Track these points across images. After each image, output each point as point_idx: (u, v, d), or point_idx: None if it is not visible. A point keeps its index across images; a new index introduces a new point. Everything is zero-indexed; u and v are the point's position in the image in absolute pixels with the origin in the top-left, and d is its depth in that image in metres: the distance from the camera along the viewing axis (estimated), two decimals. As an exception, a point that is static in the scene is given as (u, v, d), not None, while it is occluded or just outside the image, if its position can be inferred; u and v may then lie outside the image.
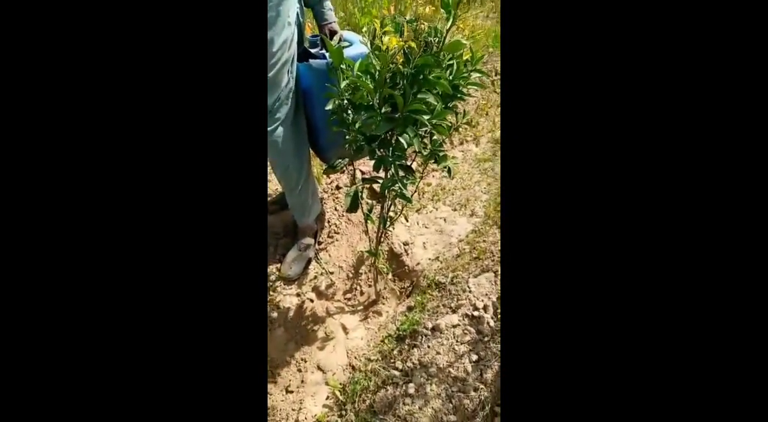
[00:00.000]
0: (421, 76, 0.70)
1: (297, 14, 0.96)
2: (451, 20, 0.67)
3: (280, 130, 1.02)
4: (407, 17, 0.72)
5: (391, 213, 1.02)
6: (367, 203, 1.02)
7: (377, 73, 0.70)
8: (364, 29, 0.72)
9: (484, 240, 1.26)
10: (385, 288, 1.25)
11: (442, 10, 0.68)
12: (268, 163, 1.55)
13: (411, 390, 0.96)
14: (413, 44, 0.66)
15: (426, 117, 0.71)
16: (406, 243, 1.32)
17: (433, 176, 1.56)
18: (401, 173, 0.86)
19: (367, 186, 0.97)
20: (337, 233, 1.33)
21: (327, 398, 1.04)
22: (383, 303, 1.23)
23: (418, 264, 1.27)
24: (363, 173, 1.49)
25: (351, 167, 1.14)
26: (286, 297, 1.19)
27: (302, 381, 1.06)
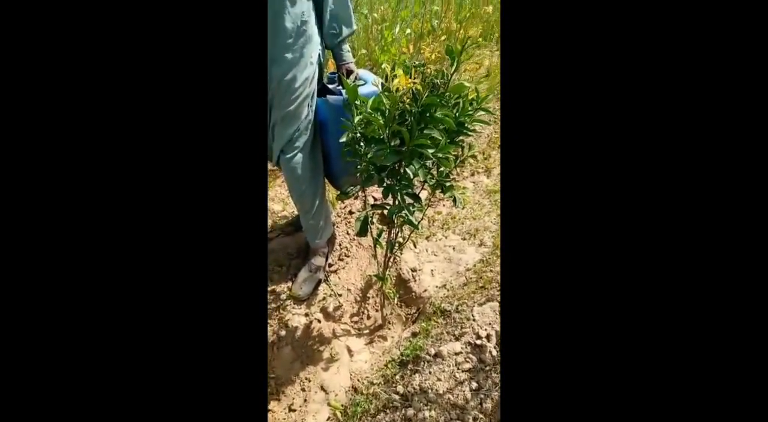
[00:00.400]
0: (428, 114, 0.77)
1: (319, 55, 1.06)
2: (455, 65, 0.75)
3: (299, 157, 1.10)
4: (416, 61, 0.80)
5: (400, 239, 1.06)
6: (377, 228, 1.07)
7: (387, 111, 0.77)
8: (384, 65, 0.79)
9: (491, 270, 1.27)
10: (391, 313, 1.27)
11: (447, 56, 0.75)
12: (286, 187, 1.62)
13: (410, 415, 0.97)
14: (420, 87, 0.73)
15: (431, 150, 0.77)
16: (414, 270, 1.35)
17: (444, 205, 1.61)
18: (408, 200, 0.91)
19: (378, 211, 1.02)
20: (348, 256, 1.38)
21: (328, 419, 1.05)
22: (389, 328, 1.25)
23: (425, 290, 1.29)
24: (375, 199, 1.55)
25: (363, 193, 1.21)
26: (294, 317, 1.23)
27: (305, 401, 1.08)
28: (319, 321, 1.24)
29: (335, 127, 1.10)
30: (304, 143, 1.10)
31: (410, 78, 0.75)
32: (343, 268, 1.36)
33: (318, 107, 1.11)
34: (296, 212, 1.52)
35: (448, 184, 0.93)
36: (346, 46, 1.10)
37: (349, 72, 1.10)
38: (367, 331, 1.24)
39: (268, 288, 1.28)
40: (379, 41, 2.06)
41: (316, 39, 1.04)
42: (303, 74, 1.02)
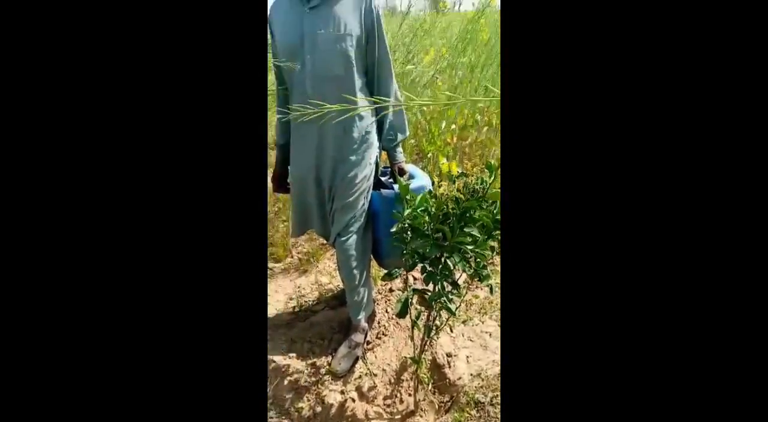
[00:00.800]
0: (467, 215, 0.90)
1: (376, 156, 1.27)
2: (492, 177, 0.89)
3: (352, 239, 1.26)
4: (459, 171, 0.95)
5: (437, 322, 1.13)
6: (416, 309, 1.14)
7: (433, 211, 0.91)
8: (443, 168, 0.95)
9: (528, 363, 1.26)
10: (424, 399, 1.27)
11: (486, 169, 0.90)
12: (335, 262, 1.76)
13: None
14: (461, 196, 0.87)
15: (470, 246, 0.89)
16: (449, 355, 1.37)
17: (482, 289, 1.65)
18: (448, 288, 1.00)
19: (418, 294, 1.11)
20: (385, 335, 1.43)
21: None
22: (421, 416, 1.23)
23: (460, 378, 1.28)
24: (415, 279, 1.63)
25: (405, 274, 1.31)
26: (331, 393, 1.26)
27: (333, 486, 1.06)
28: (354, 400, 1.26)
29: (385, 216, 1.27)
30: (358, 228, 1.26)
31: (453, 185, 0.90)
32: (380, 346, 1.41)
33: (372, 198, 1.29)
34: (341, 286, 1.63)
35: (485, 273, 1.01)
36: (399, 148, 1.31)
37: (401, 170, 1.29)
38: (399, 417, 1.23)
39: (309, 361, 1.35)
40: (427, 133, 2.33)
41: (376, 144, 1.26)
42: (363, 172, 1.22)
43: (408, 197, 1.04)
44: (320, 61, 1.09)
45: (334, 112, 0.66)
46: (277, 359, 1.34)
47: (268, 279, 1.83)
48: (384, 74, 1.17)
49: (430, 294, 1.01)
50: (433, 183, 0.92)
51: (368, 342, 1.41)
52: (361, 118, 1.18)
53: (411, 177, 1.29)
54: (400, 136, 1.28)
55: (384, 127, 1.27)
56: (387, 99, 1.19)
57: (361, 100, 1.14)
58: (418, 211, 1.00)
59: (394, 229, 1.04)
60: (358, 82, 1.13)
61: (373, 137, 1.24)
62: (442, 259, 0.98)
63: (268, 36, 1.17)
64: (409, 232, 1.06)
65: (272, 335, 1.46)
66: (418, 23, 2.80)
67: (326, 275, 1.79)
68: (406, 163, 1.32)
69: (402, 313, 1.07)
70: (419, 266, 1.02)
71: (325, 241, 1.69)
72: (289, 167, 1.31)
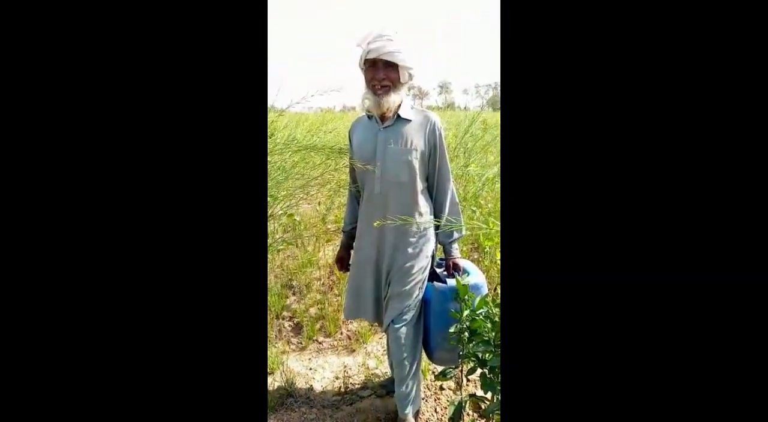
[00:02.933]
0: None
1: (433, 250, 1.34)
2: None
3: (404, 329, 1.28)
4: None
5: (491, 435, 1.06)
6: (468, 414, 1.09)
7: (496, 320, 0.93)
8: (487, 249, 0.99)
9: None
10: None
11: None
12: (384, 346, 1.77)
13: None
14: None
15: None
16: (502, 472, 1.24)
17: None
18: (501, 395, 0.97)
19: (473, 400, 1.07)
20: (433, 437, 1.35)
21: None
22: None
23: None
24: (468, 381, 1.56)
25: (459, 374, 1.28)
26: (371, 496, 1.19)
27: None
28: None
29: (437, 308, 1.30)
30: (411, 317, 1.29)
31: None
32: (427, 449, 1.33)
33: (426, 289, 1.33)
34: (388, 374, 1.61)
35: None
36: (456, 245, 1.37)
37: (455, 265, 1.34)
38: None
39: (351, 453, 1.30)
40: (484, 231, 2.39)
41: (433, 239, 1.34)
42: (419, 264, 1.29)
43: (466, 298, 1.08)
44: (389, 169, 1.27)
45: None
46: (320, 445, 1.31)
47: (317, 353, 1.85)
48: (443, 180, 1.34)
49: (488, 403, 0.98)
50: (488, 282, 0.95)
51: (414, 442, 1.34)
52: (420, 214, 1.29)
53: (466, 272, 1.32)
54: (456, 234, 1.36)
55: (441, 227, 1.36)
56: (444, 200, 1.34)
57: (422, 203, 1.29)
58: (477, 313, 1.03)
59: (452, 330, 1.06)
60: (420, 186, 1.29)
61: (431, 232, 1.33)
62: (501, 368, 0.97)
63: (348, 145, 1.40)
64: (466, 334, 1.07)
65: (317, 414, 1.45)
66: (478, 120, 3.04)
67: (374, 358, 1.78)
68: (461, 258, 1.37)
69: (455, 419, 1.03)
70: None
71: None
72: (351, 252, 1.42)
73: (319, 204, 3.23)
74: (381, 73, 1.21)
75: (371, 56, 1.20)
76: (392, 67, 1.21)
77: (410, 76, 1.26)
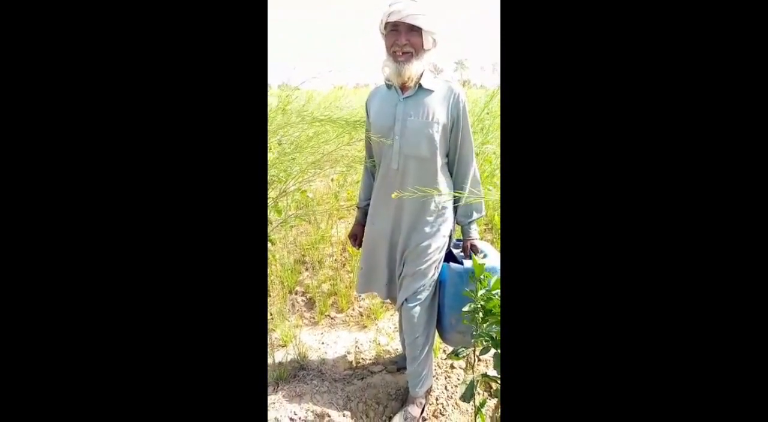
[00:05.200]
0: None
1: (450, 230, 1.31)
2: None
3: (418, 308, 1.27)
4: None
5: (503, 414, 1.06)
6: (479, 394, 1.08)
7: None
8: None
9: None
10: (481, 496, 1.16)
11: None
12: (396, 323, 1.77)
13: None
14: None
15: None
16: (511, 449, 1.25)
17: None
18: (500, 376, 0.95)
19: (485, 380, 1.06)
20: (443, 415, 1.36)
21: None
22: None
23: (523, 481, 1.16)
24: (479, 361, 1.56)
25: (471, 354, 1.27)
26: (381, 467, 1.21)
27: None
28: (404, 481, 1.19)
29: (452, 290, 1.27)
30: (426, 297, 1.27)
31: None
32: (436, 425, 1.34)
33: (442, 270, 1.30)
34: (400, 350, 1.62)
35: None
36: (474, 225, 1.33)
37: (474, 247, 1.31)
38: None
39: (362, 425, 1.33)
40: (500, 209, 2.33)
41: (451, 218, 1.30)
42: (436, 243, 1.26)
43: (482, 277, 1.05)
44: (408, 142, 1.19)
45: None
46: (333, 414, 1.34)
47: (330, 328, 1.88)
48: (465, 157, 1.26)
49: (499, 383, 0.97)
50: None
51: (424, 418, 1.36)
52: (440, 192, 1.24)
53: (484, 255, 1.29)
54: (475, 215, 1.31)
55: (460, 203, 1.31)
56: (465, 178, 1.27)
57: (441, 181, 1.23)
58: (492, 294, 1.00)
59: (466, 309, 1.04)
60: (440, 162, 1.22)
61: (449, 212, 1.29)
62: (516, 349, 0.95)
63: (365, 116, 1.33)
64: (480, 314, 1.04)
65: (329, 387, 1.47)
66: (496, 96, 2.92)
67: (385, 335, 1.79)
68: (479, 240, 1.33)
69: (466, 398, 1.03)
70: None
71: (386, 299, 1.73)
72: (365, 227, 1.39)
73: (332, 180, 3.21)
74: (403, 38, 1.12)
75: (393, 19, 1.11)
76: (415, 31, 1.12)
77: (434, 43, 1.17)
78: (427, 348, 1.30)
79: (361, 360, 1.64)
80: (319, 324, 1.92)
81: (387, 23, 1.14)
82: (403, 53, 1.13)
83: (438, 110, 1.19)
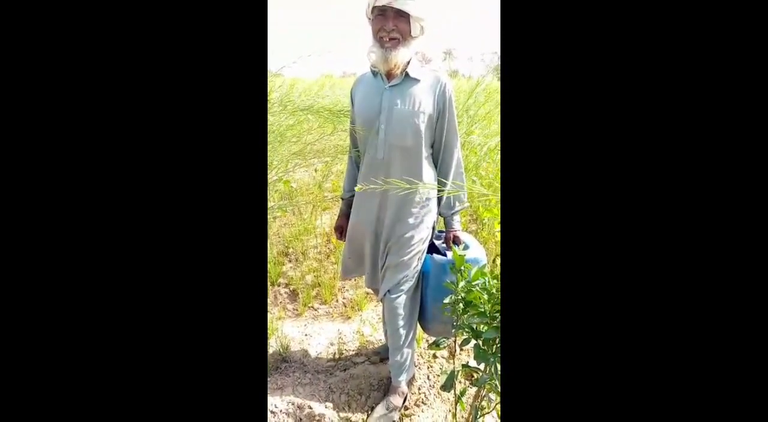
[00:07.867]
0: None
1: (434, 221, 1.30)
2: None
3: (401, 298, 1.26)
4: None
5: (484, 403, 1.07)
6: (460, 383, 1.10)
7: (493, 292, 0.90)
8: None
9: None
10: (461, 483, 1.18)
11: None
12: (379, 314, 1.77)
13: None
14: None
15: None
16: (491, 437, 1.28)
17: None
18: (501, 371, 0.96)
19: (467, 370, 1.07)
20: (425, 403, 1.38)
21: None
22: None
23: (502, 466, 1.19)
24: (461, 350, 1.58)
25: (453, 343, 1.28)
26: (362, 456, 1.22)
27: None
28: (385, 470, 1.20)
29: (435, 281, 1.27)
30: (408, 288, 1.27)
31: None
32: (417, 416, 1.35)
33: (425, 261, 1.30)
34: (383, 341, 1.62)
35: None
36: (457, 217, 1.32)
37: (456, 238, 1.30)
38: (432, 498, 1.16)
39: (344, 415, 1.33)
40: (484, 202, 2.34)
41: (435, 210, 1.29)
42: (419, 235, 1.25)
43: (463, 269, 1.04)
44: (393, 131, 1.17)
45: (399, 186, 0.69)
46: (315, 406, 1.34)
47: (313, 320, 1.87)
48: (449, 148, 1.25)
49: (480, 373, 0.97)
50: (487, 255, 0.92)
51: (406, 407, 1.37)
52: (424, 183, 1.23)
53: (466, 246, 1.29)
54: (458, 206, 1.31)
55: (444, 194, 1.31)
56: (449, 169, 1.26)
57: (426, 171, 1.22)
58: (473, 285, 1.00)
59: (447, 300, 1.04)
60: (425, 152, 1.21)
61: (433, 203, 1.28)
62: (497, 340, 0.95)
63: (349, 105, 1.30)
64: (461, 305, 1.05)
65: (311, 379, 1.47)
66: (482, 85, 2.91)
67: (369, 326, 1.79)
68: (462, 231, 1.33)
69: (447, 387, 1.03)
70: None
71: (370, 290, 1.72)
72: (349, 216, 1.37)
73: (316, 170, 3.16)
74: (390, 23, 1.09)
75: (380, 3, 1.07)
76: (403, 17, 1.09)
77: (422, 30, 1.14)
78: (409, 339, 1.30)
79: (344, 352, 1.64)
80: (303, 315, 1.90)
81: (374, 7, 1.11)
82: (390, 39, 1.10)
83: (424, 100, 1.17)
